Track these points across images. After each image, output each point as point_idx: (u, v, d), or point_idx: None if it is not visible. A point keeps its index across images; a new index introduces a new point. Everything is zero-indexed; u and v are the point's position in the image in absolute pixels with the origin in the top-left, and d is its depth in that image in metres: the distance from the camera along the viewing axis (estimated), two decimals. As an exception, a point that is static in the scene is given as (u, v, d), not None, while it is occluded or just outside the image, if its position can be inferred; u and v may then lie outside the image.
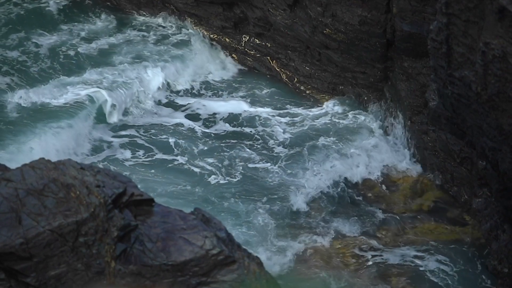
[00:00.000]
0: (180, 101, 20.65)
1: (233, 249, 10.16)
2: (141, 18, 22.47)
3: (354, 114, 20.04)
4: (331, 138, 19.44)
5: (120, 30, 22.14)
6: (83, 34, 21.85)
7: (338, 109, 20.19)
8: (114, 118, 19.70)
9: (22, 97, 19.50)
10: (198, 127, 19.85)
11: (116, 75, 20.45)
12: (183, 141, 19.41)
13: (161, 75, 20.70)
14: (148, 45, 21.61)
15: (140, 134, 19.51)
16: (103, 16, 22.47)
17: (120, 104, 19.79)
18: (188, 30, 22.00)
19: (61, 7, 22.58)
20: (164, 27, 22.19)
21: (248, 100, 20.61)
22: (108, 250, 9.64)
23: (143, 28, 22.21)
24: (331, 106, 20.26)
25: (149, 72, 20.63)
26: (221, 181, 18.46)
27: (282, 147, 19.38)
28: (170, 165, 18.77)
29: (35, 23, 21.96)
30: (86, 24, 22.20)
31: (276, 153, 19.20)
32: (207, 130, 19.80)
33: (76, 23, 22.20)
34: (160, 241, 9.89)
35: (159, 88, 20.57)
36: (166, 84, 20.76)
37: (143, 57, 21.15)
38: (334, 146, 19.25)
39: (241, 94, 20.84)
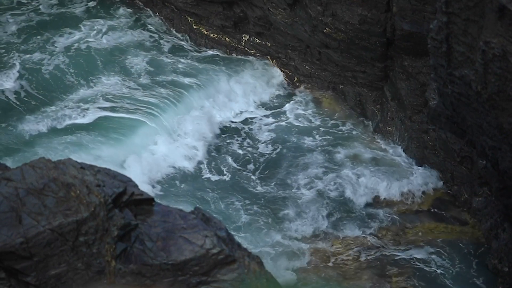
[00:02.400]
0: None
1: (233, 248, 10.16)
2: (154, 20, 22.34)
3: (353, 112, 20.05)
4: (331, 137, 19.44)
5: (134, 29, 21.95)
6: (102, 31, 21.65)
7: (336, 107, 20.20)
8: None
9: (54, 117, 19.01)
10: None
11: (146, 95, 20.06)
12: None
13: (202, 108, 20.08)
14: (162, 55, 21.36)
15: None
16: (121, 11, 22.32)
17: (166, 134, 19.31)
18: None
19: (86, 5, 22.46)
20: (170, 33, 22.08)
21: (246, 99, 20.61)
22: (109, 249, 9.64)
23: (153, 30, 22.10)
24: (329, 105, 20.28)
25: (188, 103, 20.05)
26: (213, 179, 18.48)
27: (276, 144, 19.39)
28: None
29: (58, 23, 21.75)
30: (105, 20, 22.02)
31: (272, 152, 19.20)
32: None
33: (96, 19, 22.04)
34: (160, 241, 9.90)
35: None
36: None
37: (163, 71, 20.86)
38: (333, 146, 19.26)
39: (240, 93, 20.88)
